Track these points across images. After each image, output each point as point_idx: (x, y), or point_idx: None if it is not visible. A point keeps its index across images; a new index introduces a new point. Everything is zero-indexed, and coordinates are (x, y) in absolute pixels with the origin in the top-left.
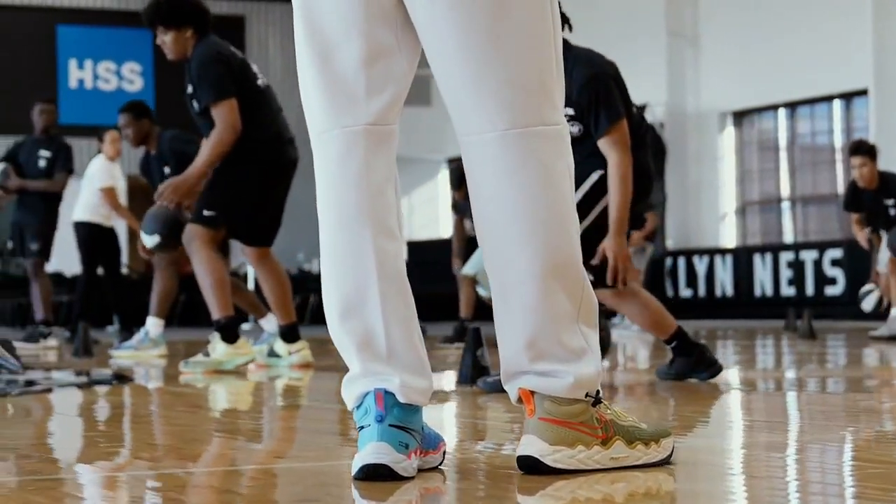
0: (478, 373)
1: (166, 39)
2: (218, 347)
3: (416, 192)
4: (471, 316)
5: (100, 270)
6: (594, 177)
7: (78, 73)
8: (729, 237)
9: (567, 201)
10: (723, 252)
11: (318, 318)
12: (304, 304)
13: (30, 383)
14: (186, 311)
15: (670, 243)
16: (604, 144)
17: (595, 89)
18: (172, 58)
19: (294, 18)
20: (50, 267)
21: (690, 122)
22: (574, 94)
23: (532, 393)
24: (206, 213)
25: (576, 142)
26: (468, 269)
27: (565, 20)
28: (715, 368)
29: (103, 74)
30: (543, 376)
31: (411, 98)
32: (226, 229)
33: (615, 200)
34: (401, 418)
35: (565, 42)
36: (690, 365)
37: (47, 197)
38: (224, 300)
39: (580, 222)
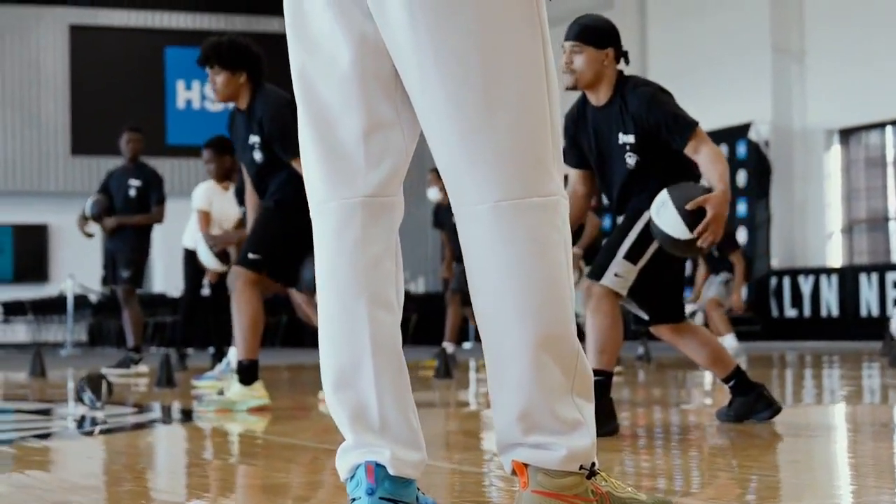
0: None
1: (218, 80)
2: (233, 387)
3: None
4: None
5: (207, 292)
6: (646, 216)
7: (185, 94)
8: (835, 256)
9: (562, 273)
10: (828, 271)
11: (417, 340)
12: (405, 324)
13: (107, 420)
14: (288, 333)
15: (775, 262)
16: (690, 150)
17: (659, 108)
18: (219, 99)
19: (294, 89)
20: (155, 288)
21: (796, 139)
22: (644, 119)
23: (525, 465)
24: (251, 256)
25: (629, 175)
26: None
27: (623, 54)
28: (774, 409)
29: (211, 95)
30: (536, 448)
31: None
32: (268, 273)
33: (718, 171)
34: (392, 491)
35: (620, 74)
36: (749, 405)
37: (138, 225)
38: (252, 343)
39: (636, 263)
